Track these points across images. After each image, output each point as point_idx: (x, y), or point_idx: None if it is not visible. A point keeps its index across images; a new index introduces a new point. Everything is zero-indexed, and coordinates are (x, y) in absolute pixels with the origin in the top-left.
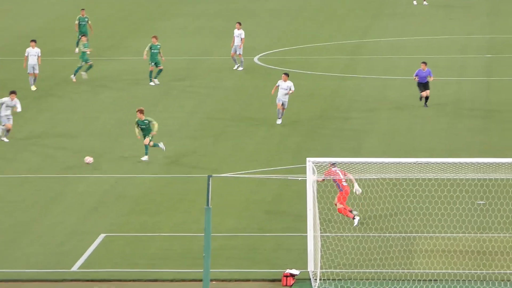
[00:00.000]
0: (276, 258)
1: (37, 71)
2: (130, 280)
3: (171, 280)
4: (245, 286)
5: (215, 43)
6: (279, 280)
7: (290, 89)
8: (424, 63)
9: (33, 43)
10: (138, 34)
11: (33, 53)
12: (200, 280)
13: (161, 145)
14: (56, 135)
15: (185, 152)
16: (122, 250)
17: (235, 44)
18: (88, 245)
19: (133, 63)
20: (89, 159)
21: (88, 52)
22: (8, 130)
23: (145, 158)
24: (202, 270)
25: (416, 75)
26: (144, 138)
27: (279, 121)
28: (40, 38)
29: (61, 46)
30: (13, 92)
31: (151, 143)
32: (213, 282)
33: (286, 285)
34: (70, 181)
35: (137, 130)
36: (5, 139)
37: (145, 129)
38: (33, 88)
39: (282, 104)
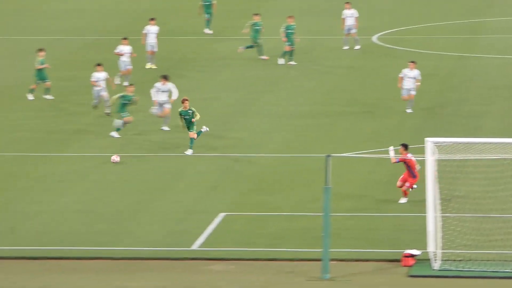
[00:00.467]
0: (396, 239)
1: (156, 49)
2: (249, 259)
3: (290, 260)
4: (364, 266)
5: (332, 23)
6: (399, 261)
7: (417, 79)
8: None
9: (152, 21)
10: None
11: (152, 31)
12: (319, 260)
13: (204, 128)
14: (175, 115)
15: (303, 132)
16: (241, 229)
17: (349, 24)
18: (207, 224)
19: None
20: (116, 159)
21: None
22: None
23: (189, 152)
24: (321, 250)
25: None
26: (188, 130)
27: (409, 110)
28: (159, 17)
29: (180, 25)
30: (164, 77)
31: (195, 135)
32: (332, 262)
33: (406, 266)
34: (190, 160)
35: (181, 123)
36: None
37: (188, 120)
38: (153, 66)
39: (409, 94)
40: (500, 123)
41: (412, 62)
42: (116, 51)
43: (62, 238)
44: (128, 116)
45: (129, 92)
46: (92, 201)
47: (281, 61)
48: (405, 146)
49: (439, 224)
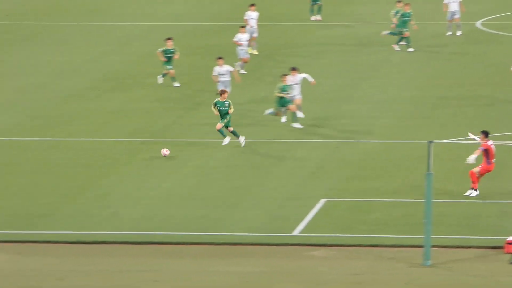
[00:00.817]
0: (499, 225)
1: (255, 35)
2: (350, 245)
3: (392, 246)
4: (466, 253)
5: (435, 8)
6: (502, 247)
7: None
8: None
9: (252, 7)
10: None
11: (253, 17)
12: (421, 246)
13: (241, 139)
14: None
15: (404, 118)
16: (342, 215)
17: (452, 9)
18: (308, 210)
19: (356, 29)
20: (165, 152)
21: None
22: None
23: (226, 141)
24: (423, 236)
25: None
26: (222, 120)
27: None
28: (260, 4)
29: (281, 11)
30: (293, 69)
31: (230, 129)
32: (434, 248)
33: (509, 253)
34: (290, 146)
35: (215, 111)
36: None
37: (223, 112)
38: (254, 52)
39: None
40: None
41: None
42: (235, 39)
43: (163, 223)
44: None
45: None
46: (193, 186)
47: (396, 47)
48: (486, 134)
49: None
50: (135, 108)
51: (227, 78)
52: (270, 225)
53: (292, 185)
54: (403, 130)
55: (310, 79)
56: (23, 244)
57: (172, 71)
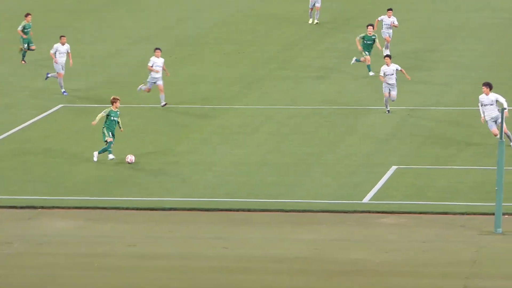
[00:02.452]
0: None
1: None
2: (420, 213)
3: (462, 213)
4: None
5: None
6: None
7: None
8: None
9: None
10: None
11: None
12: (492, 214)
13: (111, 156)
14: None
15: (479, 84)
16: (413, 183)
17: None
18: (379, 177)
19: None
20: (130, 158)
21: None
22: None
23: (110, 156)
24: (494, 204)
25: None
26: (109, 133)
27: None
28: None
29: None
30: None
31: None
32: (506, 216)
33: None
34: (361, 113)
35: (99, 116)
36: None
37: (114, 123)
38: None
39: None
40: None
41: None
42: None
43: (234, 190)
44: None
45: None
46: (265, 153)
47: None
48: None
49: None
50: (208, 75)
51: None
52: (341, 193)
53: (364, 152)
54: (477, 97)
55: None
56: (94, 211)
57: None
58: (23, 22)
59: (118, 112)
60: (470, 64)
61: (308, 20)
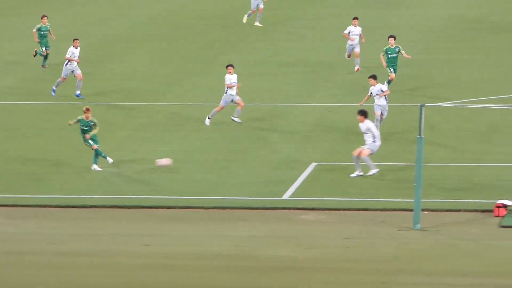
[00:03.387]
0: (490, 189)
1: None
2: (341, 209)
3: (382, 210)
4: (456, 216)
5: None
6: (491, 211)
7: None
8: None
9: None
10: None
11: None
12: (411, 210)
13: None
14: None
15: (400, 80)
16: (334, 179)
17: None
18: (299, 174)
19: None
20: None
21: None
22: None
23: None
24: (413, 200)
25: None
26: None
27: None
28: None
29: None
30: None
31: (95, 146)
32: (424, 212)
33: (498, 216)
34: (284, 111)
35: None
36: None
37: (87, 131)
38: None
39: None
40: None
41: None
42: None
43: (157, 187)
44: None
45: None
46: (188, 150)
47: None
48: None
49: None
50: (134, 71)
51: None
52: (262, 190)
53: (285, 150)
54: (398, 93)
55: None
56: (13, 208)
57: None
58: (39, 24)
59: (91, 122)
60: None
61: (243, 19)
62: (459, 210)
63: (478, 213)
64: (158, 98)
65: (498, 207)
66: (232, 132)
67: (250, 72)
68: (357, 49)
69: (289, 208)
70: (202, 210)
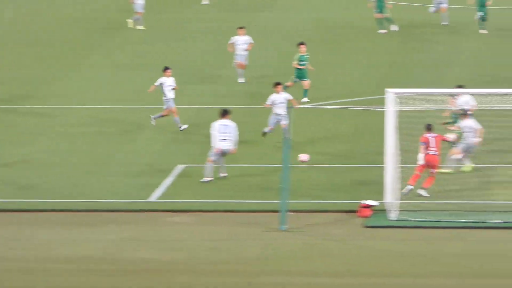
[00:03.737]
0: (355, 190)
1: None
2: (208, 211)
3: (249, 211)
4: (321, 217)
5: None
6: (356, 211)
7: None
8: None
9: None
10: None
11: None
12: (277, 211)
13: None
14: None
15: (262, 83)
16: (200, 181)
17: None
18: (166, 176)
19: None
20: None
21: None
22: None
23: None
24: (279, 201)
25: None
26: None
27: None
28: None
29: None
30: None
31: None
32: (290, 213)
33: (363, 216)
34: (151, 113)
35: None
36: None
37: None
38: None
39: None
40: (463, 73)
41: None
42: None
43: (21, 190)
44: None
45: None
46: (54, 153)
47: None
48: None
49: (398, 175)
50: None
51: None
52: (129, 192)
53: (152, 152)
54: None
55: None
56: None
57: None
58: None
59: None
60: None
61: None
62: (325, 211)
63: (343, 213)
64: (24, 101)
65: (363, 207)
66: (98, 136)
67: (117, 74)
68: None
69: (156, 211)
70: (68, 213)
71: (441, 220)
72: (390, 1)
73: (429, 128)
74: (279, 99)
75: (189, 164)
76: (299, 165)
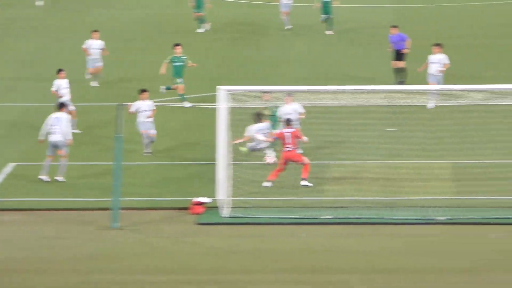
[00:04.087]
0: (187, 187)
1: None
2: (40, 209)
3: (80, 209)
4: (154, 214)
5: None
6: (188, 209)
7: None
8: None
9: None
10: None
11: None
12: (110, 209)
13: None
14: None
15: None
16: (33, 179)
17: None
18: None
19: None
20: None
21: None
22: None
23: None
24: (111, 199)
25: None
26: None
27: None
28: None
29: None
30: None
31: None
32: (123, 211)
33: (195, 213)
34: None
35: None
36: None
37: None
38: None
39: None
40: (294, 70)
41: None
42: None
43: None
44: None
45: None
46: None
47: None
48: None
49: (230, 172)
50: None
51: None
52: None
53: None
54: (94, 91)
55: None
56: None
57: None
58: None
59: None
60: None
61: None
62: (157, 208)
63: (176, 211)
64: None
65: (195, 204)
66: None
67: None
68: (100, 64)
69: None
70: None
71: (273, 217)
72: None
73: (288, 124)
74: (143, 106)
75: (20, 162)
76: (132, 162)
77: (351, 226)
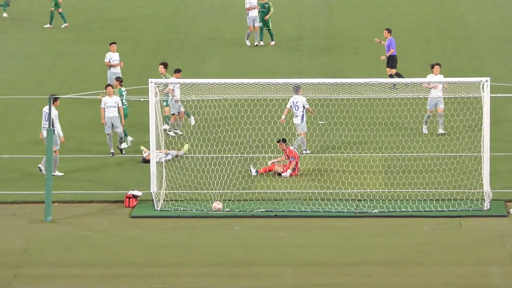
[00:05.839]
0: (120, 180)
1: None
2: None
3: (12, 202)
4: (88, 207)
5: None
6: (122, 202)
7: None
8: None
9: None
10: None
11: None
12: (42, 202)
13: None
14: None
15: (24, 74)
16: None
17: None
18: None
19: None
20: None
21: None
22: None
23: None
24: (43, 192)
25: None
26: None
27: None
28: None
29: None
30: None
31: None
32: (55, 204)
33: (129, 207)
34: None
35: None
36: None
37: None
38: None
39: None
40: (221, 64)
41: None
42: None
43: None
44: None
45: None
46: None
47: None
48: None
49: (163, 165)
50: None
51: None
52: None
53: None
54: (24, 88)
55: None
56: None
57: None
58: None
59: None
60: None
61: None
62: (91, 202)
63: (109, 204)
64: None
65: (129, 197)
66: None
67: None
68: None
69: None
70: None
71: (204, 210)
72: None
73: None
74: (110, 102)
75: None
76: (64, 156)
77: (285, 219)
